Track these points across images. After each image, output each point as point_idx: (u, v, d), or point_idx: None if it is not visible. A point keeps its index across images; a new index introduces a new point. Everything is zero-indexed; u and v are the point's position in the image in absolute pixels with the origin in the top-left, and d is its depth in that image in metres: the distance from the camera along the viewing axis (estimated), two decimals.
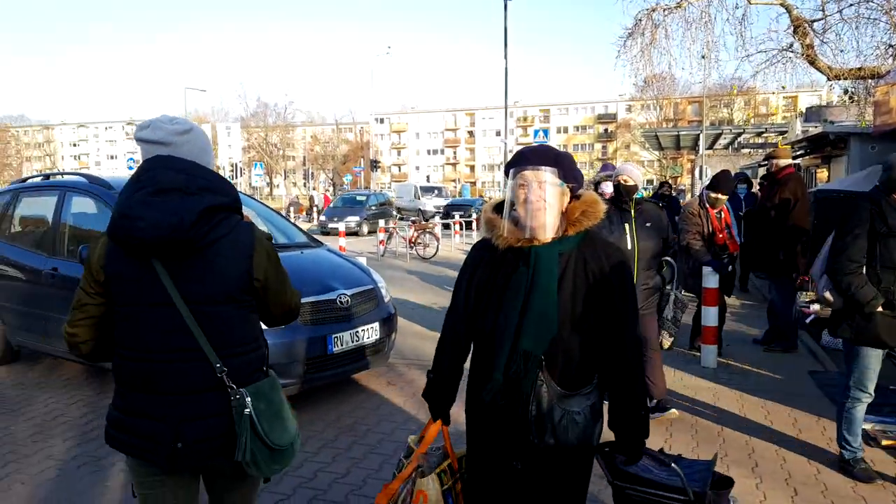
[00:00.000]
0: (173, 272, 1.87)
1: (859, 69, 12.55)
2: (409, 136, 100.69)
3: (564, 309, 1.95)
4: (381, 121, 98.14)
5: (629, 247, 4.40)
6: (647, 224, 4.51)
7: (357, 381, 5.55)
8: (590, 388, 2.04)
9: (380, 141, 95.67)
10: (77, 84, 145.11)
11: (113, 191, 5.32)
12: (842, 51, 12.97)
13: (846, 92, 15.60)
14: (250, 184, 49.54)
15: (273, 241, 2.08)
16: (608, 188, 6.21)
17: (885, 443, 4.21)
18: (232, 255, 1.93)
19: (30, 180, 6.62)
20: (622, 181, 4.51)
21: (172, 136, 1.97)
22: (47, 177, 6.70)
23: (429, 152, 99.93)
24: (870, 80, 12.71)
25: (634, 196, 4.55)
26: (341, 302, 5.00)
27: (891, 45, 12.51)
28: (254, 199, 6.93)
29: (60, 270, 5.30)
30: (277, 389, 2.02)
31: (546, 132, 32.32)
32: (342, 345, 4.90)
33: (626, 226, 4.46)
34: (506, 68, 25.68)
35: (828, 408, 4.81)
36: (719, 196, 6.13)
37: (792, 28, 12.99)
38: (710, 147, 28.42)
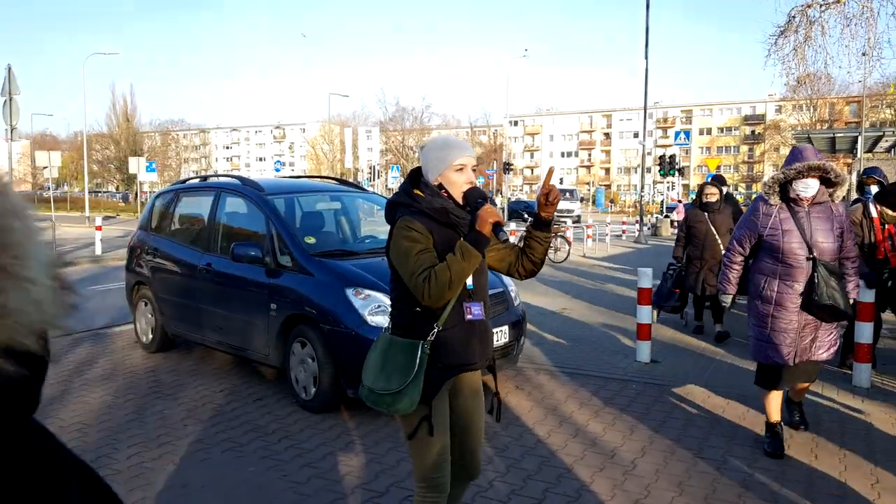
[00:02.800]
0: None
1: None
2: (542, 139, 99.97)
3: None
4: (515, 123, 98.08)
5: None
6: None
7: (484, 384, 5.52)
8: None
9: (513, 143, 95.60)
10: (230, 90, 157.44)
11: (264, 192, 5.66)
12: None
13: None
14: (386, 186, 51.32)
15: None
16: (807, 190, 4.03)
17: None
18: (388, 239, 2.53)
19: (189, 181, 7.21)
20: None
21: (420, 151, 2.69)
22: (205, 178, 7.27)
23: (563, 155, 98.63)
24: None
25: None
26: None
27: None
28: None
29: (214, 266, 5.72)
30: (382, 346, 2.50)
31: (688, 134, 30.94)
32: None
33: None
34: (646, 68, 24.85)
35: None
36: (890, 213, 5.62)
37: None
38: (870, 150, 25.90)
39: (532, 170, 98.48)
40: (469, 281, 2.47)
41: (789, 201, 4.11)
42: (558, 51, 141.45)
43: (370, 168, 45.73)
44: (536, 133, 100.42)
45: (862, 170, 7.62)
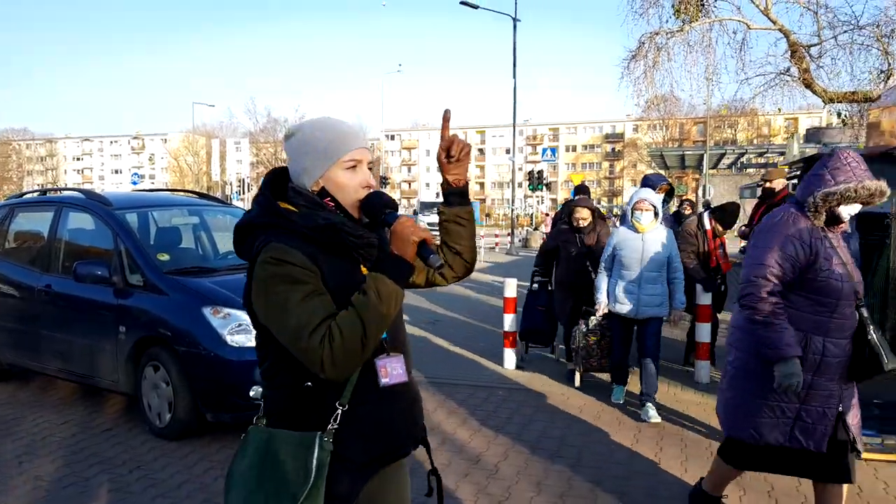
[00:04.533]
0: None
1: (853, 93, 12.75)
2: (419, 153, 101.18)
3: None
4: (392, 137, 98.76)
5: None
6: None
7: None
8: None
9: (390, 157, 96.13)
10: (82, 97, 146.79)
11: (111, 207, 5.31)
12: (836, 75, 13.27)
13: (839, 115, 15.77)
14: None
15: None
16: (851, 213, 2.95)
17: (865, 455, 4.18)
18: (248, 279, 1.69)
19: (27, 195, 6.63)
20: None
21: (284, 143, 1.81)
22: (44, 192, 6.72)
23: (439, 169, 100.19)
24: (863, 104, 12.86)
25: None
26: None
27: (882, 71, 12.74)
28: None
29: (54, 287, 5.28)
30: (256, 448, 1.68)
31: (554, 150, 32.46)
32: None
33: None
34: (514, 87, 25.88)
35: None
36: (720, 229, 6.26)
37: (789, 53, 13.18)
38: (714, 166, 28.59)
39: (409, 184, 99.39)
40: None
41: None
42: (433, 66, 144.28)
43: (240, 181, 44.20)
44: (413, 147, 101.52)
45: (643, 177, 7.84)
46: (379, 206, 1.70)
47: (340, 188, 1.71)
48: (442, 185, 1.87)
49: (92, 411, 5.22)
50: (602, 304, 5.32)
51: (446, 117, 1.81)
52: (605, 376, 5.90)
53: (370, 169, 1.76)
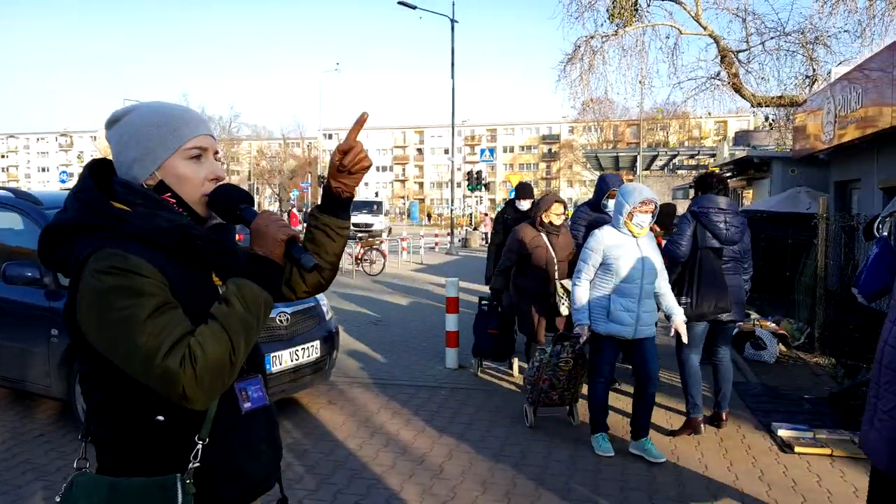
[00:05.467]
0: None
1: (780, 97, 13.41)
2: None
3: None
4: (330, 136, 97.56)
5: None
6: None
7: (297, 401, 5.45)
8: None
9: (328, 156, 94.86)
10: (7, 93, 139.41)
11: (41, 206, 5.12)
12: (764, 80, 13.94)
13: (766, 119, 16.48)
14: None
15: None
16: None
17: (798, 449, 4.44)
18: (72, 293, 1.36)
19: None
20: None
21: (106, 131, 1.54)
22: None
23: (378, 169, 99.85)
24: (789, 108, 13.53)
25: None
26: (281, 320, 4.94)
27: (807, 76, 13.41)
28: None
29: None
30: None
31: (492, 151, 32.84)
32: (280, 364, 4.83)
33: None
34: (453, 88, 26.10)
35: (749, 417, 5.12)
36: (658, 230, 6.48)
37: (719, 58, 13.72)
38: (647, 168, 29.48)
39: None
40: None
41: None
42: (371, 66, 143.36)
43: None
44: (351, 147, 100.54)
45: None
46: (233, 201, 1.45)
47: (183, 181, 1.45)
48: (324, 188, 1.63)
49: (23, 417, 5.01)
50: (585, 328, 4.32)
51: (362, 119, 1.58)
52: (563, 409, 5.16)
53: (217, 159, 1.51)
